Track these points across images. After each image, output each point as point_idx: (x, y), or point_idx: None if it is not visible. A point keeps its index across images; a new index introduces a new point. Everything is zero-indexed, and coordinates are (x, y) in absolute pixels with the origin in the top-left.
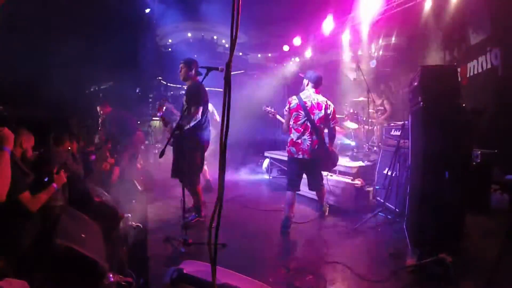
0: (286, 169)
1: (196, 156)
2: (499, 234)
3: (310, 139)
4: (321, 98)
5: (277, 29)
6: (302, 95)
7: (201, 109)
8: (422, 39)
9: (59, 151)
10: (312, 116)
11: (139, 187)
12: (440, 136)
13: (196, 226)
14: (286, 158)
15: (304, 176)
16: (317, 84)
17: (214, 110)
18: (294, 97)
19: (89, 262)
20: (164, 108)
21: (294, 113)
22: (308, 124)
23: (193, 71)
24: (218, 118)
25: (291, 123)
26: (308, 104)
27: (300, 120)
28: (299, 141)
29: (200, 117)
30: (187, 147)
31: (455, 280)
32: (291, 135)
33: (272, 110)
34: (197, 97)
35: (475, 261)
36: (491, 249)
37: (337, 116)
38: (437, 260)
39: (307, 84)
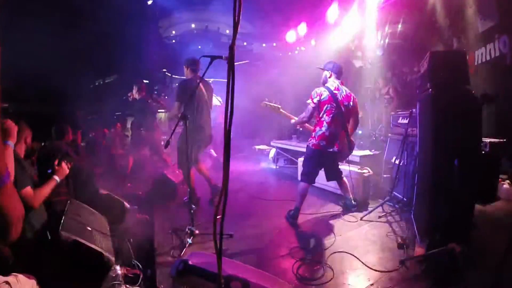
0: (303, 160)
1: (181, 150)
2: (507, 225)
3: (340, 132)
4: (347, 90)
5: (282, 18)
6: (331, 86)
7: (177, 104)
8: (429, 26)
9: (59, 144)
10: (342, 108)
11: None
12: (449, 124)
13: (203, 216)
14: (293, 148)
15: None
16: (340, 75)
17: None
18: (323, 89)
19: (95, 255)
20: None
21: (326, 106)
22: (339, 116)
23: (188, 70)
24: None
25: (323, 116)
26: (339, 96)
27: (332, 112)
28: (331, 134)
29: (178, 112)
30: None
31: (463, 271)
32: (322, 128)
33: (275, 104)
34: (177, 93)
35: (483, 251)
36: (499, 240)
37: None
38: (446, 250)
39: (330, 76)
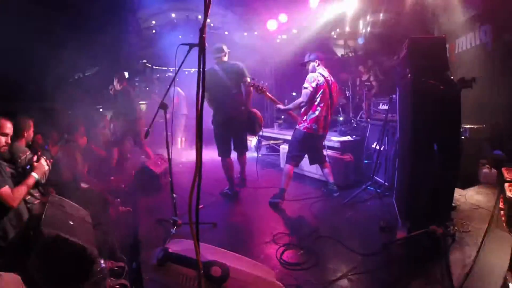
0: (291, 143)
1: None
2: (487, 207)
3: (329, 115)
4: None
5: (263, 6)
6: (324, 73)
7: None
8: (411, 15)
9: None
10: (332, 93)
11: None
12: (428, 109)
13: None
14: (275, 135)
15: None
16: (324, 63)
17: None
18: (317, 74)
19: (78, 249)
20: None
21: (321, 90)
22: (329, 100)
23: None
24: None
25: (317, 100)
26: (330, 81)
27: (326, 96)
28: (323, 118)
29: (207, 99)
30: None
31: (445, 252)
32: (315, 112)
33: (263, 85)
34: None
35: (464, 233)
36: (480, 222)
37: None
38: (427, 233)
39: (319, 65)
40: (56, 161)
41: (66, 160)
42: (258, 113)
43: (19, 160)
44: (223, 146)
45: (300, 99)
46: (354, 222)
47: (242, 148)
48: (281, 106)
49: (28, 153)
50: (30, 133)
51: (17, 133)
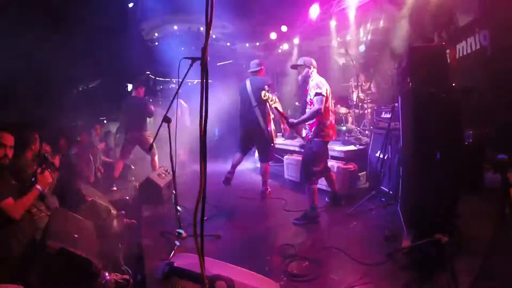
0: (309, 160)
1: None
2: (492, 214)
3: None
4: None
5: (264, 17)
6: (322, 79)
7: None
8: (410, 22)
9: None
10: (331, 99)
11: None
12: (430, 117)
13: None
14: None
15: None
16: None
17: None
18: (323, 79)
19: (83, 262)
20: None
21: (330, 96)
22: (331, 106)
23: None
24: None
25: (330, 106)
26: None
27: (333, 102)
28: (334, 123)
29: None
30: None
31: (450, 260)
32: (330, 118)
33: (274, 97)
34: None
35: (469, 240)
36: (485, 229)
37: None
38: (432, 241)
39: (313, 71)
40: (70, 161)
41: (82, 157)
42: (271, 132)
43: (26, 174)
44: (239, 147)
45: (316, 107)
46: (358, 232)
47: (261, 157)
48: (293, 120)
49: (35, 167)
50: (36, 145)
51: (24, 146)
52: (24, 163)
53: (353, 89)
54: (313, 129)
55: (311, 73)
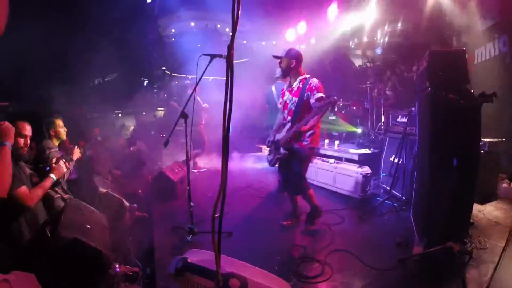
0: (298, 167)
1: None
2: (506, 223)
3: None
4: None
5: (281, 16)
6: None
7: None
8: (428, 25)
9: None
10: None
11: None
12: (448, 123)
13: (203, 215)
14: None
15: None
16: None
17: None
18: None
19: (94, 253)
20: None
21: None
22: None
23: None
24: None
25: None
26: None
27: None
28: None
29: None
30: None
31: (462, 269)
32: (319, 123)
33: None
34: None
35: (482, 250)
36: (498, 239)
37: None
38: (444, 249)
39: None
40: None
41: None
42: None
43: (47, 152)
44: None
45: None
46: (370, 237)
47: None
48: (305, 126)
49: (55, 149)
50: (58, 131)
51: (44, 134)
52: (46, 144)
53: (369, 92)
54: (307, 135)
55: (298, 67)
